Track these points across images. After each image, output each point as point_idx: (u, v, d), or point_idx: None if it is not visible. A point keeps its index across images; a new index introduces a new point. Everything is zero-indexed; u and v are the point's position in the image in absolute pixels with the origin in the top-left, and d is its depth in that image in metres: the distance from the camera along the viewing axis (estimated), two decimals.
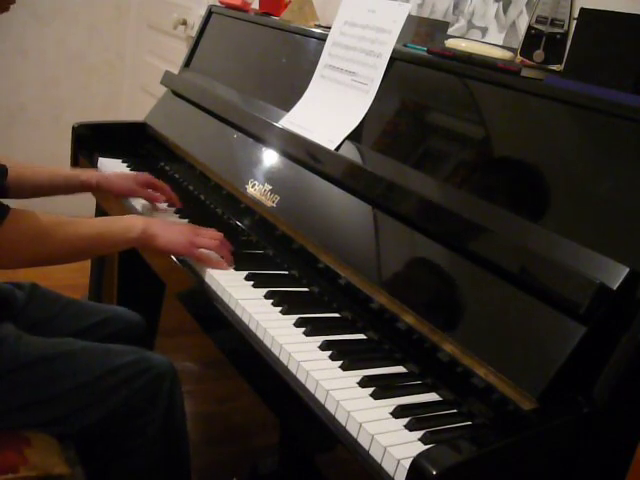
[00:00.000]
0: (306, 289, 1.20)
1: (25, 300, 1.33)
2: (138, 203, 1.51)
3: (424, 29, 1.60)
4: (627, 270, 0.82)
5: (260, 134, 1.48)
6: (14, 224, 1.04)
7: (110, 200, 1.60)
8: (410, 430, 0.83)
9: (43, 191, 1.44)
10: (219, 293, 1.15)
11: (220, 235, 1.25)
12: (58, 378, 1.14)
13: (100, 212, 1.99)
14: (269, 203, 1.33)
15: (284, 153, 1.40)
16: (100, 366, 1.17)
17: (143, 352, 1.24)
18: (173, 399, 1.21)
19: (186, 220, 1.44)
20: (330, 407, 0.88)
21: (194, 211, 1.51)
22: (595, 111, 0.96)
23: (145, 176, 1.52)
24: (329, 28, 1.47)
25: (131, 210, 1.50)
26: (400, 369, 0.99)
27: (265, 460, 1.65)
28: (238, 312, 1.09)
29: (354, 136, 1.30)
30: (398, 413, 0.86)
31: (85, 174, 1.49)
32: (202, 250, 1.21)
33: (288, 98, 1.49)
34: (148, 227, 1.19)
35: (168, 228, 1.22)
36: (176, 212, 1.50)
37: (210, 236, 1.24)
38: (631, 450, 0.86)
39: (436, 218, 1.04)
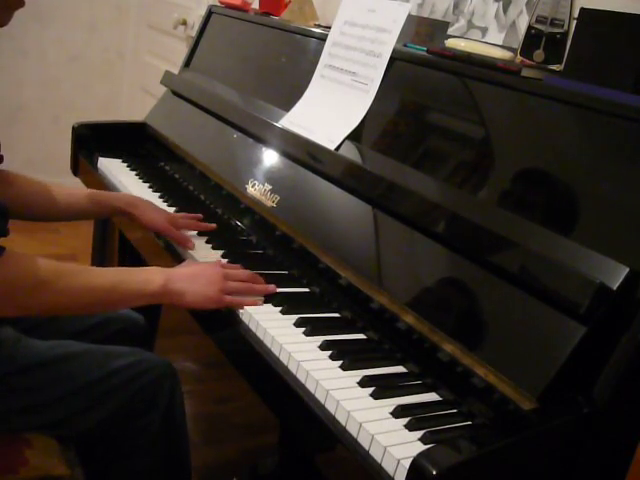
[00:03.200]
0: (306, 289, 1.20)
1: None
2: None
3: (424, 29, 1.61)
4: (627, 270, 0.82)
5: (260, 134, 1.48)
6: (7, 268, 0.94)
7: (136, 230, 1.50)
8: (410, 430, 0.83)
9: (66, 215, 1.40)
10: None
11: (250, 275, 1.16)
12: (58, 381, 1.14)
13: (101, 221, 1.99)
14: (269, 203, 1.32)
15: (284, 153, 1.40)
16: (100, 368, 1.17)
17: (143, 353, 1.23)
18: (173, 400, 1.21)
19: (213, 253, 1.32)
20: (330, 407, 0.88)
21: (194, 211, 1.51)
22: (595, 111, 0.96)
23: (182, 219, 1.41)
24: (329, 28, 1.47)
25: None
26: (400, 369, 0.99)
27: (265, 460, 1.65)
28: (238, 312, 1.09)
29: (354, 136, 1.30)
30: (398, 413, 0.86)
31: (118, 200, 1.42)
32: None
33: (288, 98, 1.49)
34: (169, 282, 1.07)
35: (194, 281, 1.09)
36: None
37: (240, 278, 1.14)
38: (631, 450, 0.86)
39: (436, 218, 1.04)
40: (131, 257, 1.75)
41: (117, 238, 1.91)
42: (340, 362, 0.96)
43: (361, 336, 1.07)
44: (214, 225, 1.42)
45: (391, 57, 1.30)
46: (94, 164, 1.79)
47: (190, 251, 1.31)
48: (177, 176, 1.76)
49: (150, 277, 1.07)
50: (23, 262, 0.97)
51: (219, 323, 1.14)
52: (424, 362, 0.98)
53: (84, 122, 1.90)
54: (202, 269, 1.13)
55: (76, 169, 1.90)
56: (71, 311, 1.10)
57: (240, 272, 1.16)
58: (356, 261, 1.12)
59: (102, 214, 1.47)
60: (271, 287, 1.15)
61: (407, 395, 0.91)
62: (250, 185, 1.39)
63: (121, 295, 1.06)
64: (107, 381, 1.16)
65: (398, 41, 1.31)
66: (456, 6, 1.71)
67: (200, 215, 1.45)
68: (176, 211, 1.51)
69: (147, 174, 1.73)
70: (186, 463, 1.27)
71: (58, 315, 1.35)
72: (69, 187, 1.41)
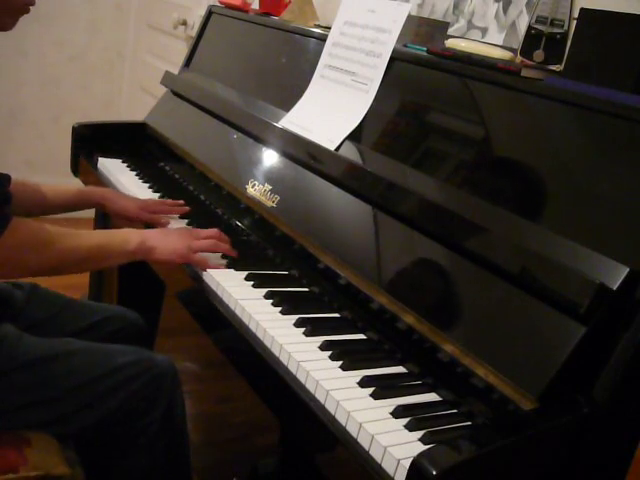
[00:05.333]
0: (306, 289, 1.20)
1: (25, 300, 1.33)
2: None
3: (424, 29, 1.60)
4: (627, 270, 0.82)
5: (260, 134, 1.48)
6: (15, 233, 1.03)
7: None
8: (410, 430, 0.83)
9: (52, 209, 1.46)
10: (219, 293, 1.15)
11: (216, 232, 1.27)
12: (58, 378, 1.14)
13: (100, 216, 1.99)
14: (269, 203, 1.32)
15: (284, 153, 1.40)
16: (100, 366, 1.17)
17: (143, 352, 1.24)
18: (173, 399, 1.21)
19: (184, 222, 1.44)
20: (330, 407, 0.88)
21: (194, 211, 1.51)
22: (595, 111, 0.96)
23: (153, 205, 1.49)
24: (329, 28, 1.47)
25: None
26: (400, 369, 0.99)
27: (265, 460, 1.64)
28: (238, 312, 1.09)
29: (354, 136, 1.30)
30: (398, 413, 0.86)
31: (94, 191, 1.52)
32: (200, 253, 1.22)
33: (288, 98, 1.49)
34: (145, 240, 1.20)
35: (165, 238, 1.22)
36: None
37: (206, 235, 1.25)
38: (631, 450, 0.86)
39: (436, 218, 1.04)
40: None
41: None
42: (340, 362, 0.96)
43: (361, 336, 1.07)
44: (187, 208, 1.48)
45: (391, 57, 1.30)
46: (94, 164, 1.79)
47: None
48: (177, 176, 1.76)
49: (128, 237, 1.20)
50: (30, 226, 1.08)
51: (219, 323, 1.14)
52: (424, 362, 0.98)
53: (84, 122, 1.90)
54: (172, 230, 1.30)
55: (76, 169, 1.90)
56: (67, 269, 1.17)
57: (206, 231, 1.27)
58: (356, 261, 1.12)
59: (84, 207, 1.53)
60: (234, 252, 1.26)
61: (407, 395, 0.91)
62: (250, 185, 1.39)
63: (105, 254, 1.18)
64: (107, 379, 1.16)
65: (398, 41, 1.31)
66: (456, 6, 1.71)
67: (171, 201, 1.51)
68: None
69: (147, 174, 1.73)
70: (186, 463, 1.27)
71: (58, 314, 1.36)
72: (52, 185, 1.48)
